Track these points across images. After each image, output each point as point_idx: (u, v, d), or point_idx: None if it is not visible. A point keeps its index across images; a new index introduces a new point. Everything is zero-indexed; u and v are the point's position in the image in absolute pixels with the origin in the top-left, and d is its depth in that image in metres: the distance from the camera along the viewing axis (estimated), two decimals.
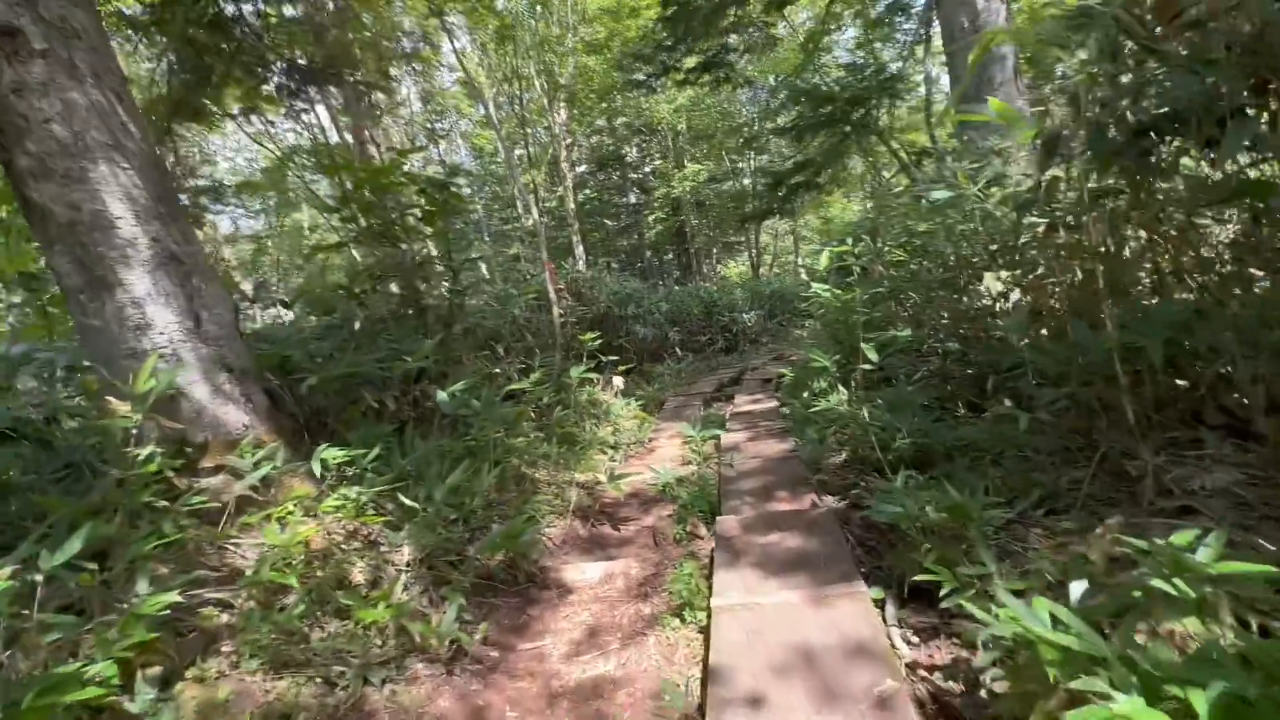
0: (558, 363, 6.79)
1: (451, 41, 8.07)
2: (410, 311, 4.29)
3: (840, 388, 4.20)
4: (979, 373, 3.43)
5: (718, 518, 2.72)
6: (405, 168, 4.34)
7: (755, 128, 13.38)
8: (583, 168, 26.08)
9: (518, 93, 13.96)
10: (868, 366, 3.72)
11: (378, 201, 4.36)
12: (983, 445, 2.66)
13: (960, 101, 5.28)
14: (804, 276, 21.53)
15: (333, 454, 2.63)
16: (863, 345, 3.74)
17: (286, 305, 4.38)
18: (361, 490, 2.57)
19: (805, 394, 4.70)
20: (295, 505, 2.50)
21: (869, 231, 4.71)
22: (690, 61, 9.67)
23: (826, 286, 5.54)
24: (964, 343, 3.53)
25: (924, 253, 4.74)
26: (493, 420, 3.18)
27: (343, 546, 2.47)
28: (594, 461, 4.82)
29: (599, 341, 7.75)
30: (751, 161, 19.96)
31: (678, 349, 9.62)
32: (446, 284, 4.29)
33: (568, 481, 4.12)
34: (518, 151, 17.62)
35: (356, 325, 3.70)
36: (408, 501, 2.57)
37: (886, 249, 4.96)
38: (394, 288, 4.44)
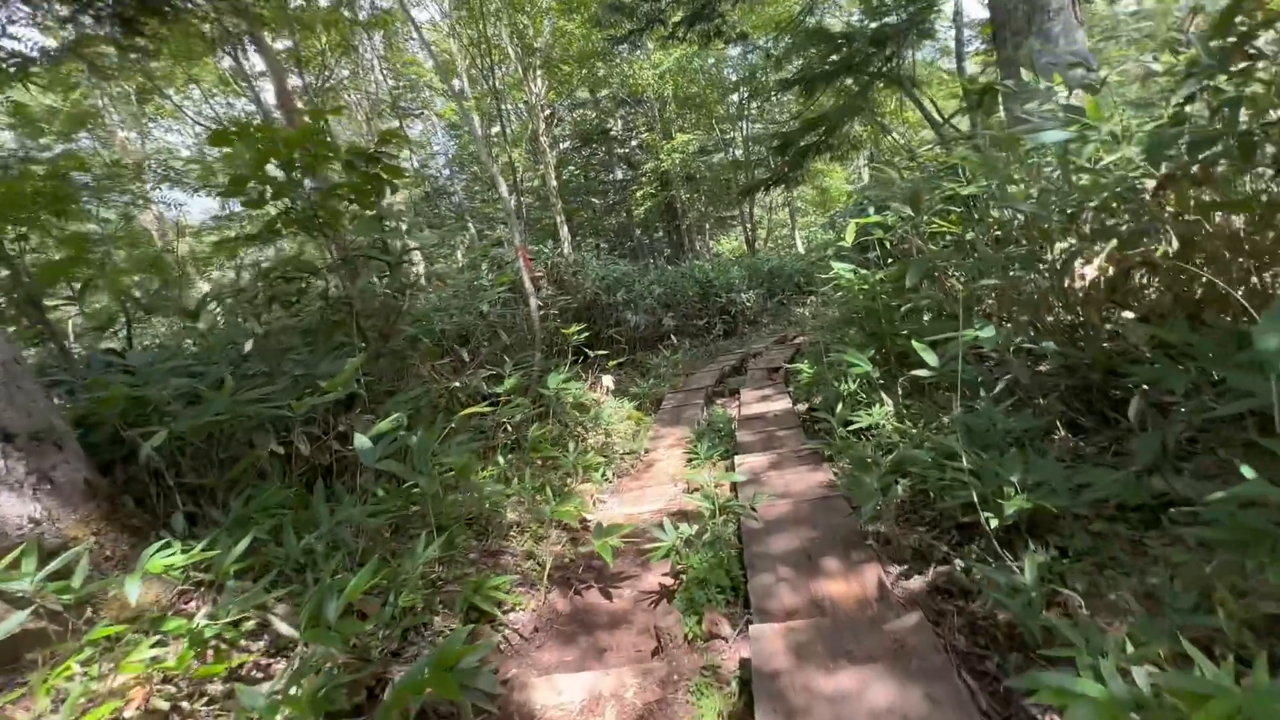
0: (537, 363, 5.91)
1: (406, 9, 7.04)
2: (337, 320, 3.39)
3: (883, 396, 3.34)
4: (1080, 382, 2.58)
5: (752, 627, 1.86)
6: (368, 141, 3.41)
7: (754, 84, 12.31)
8: (566, 144, 24.89)
9: (490, 62, 12.82)
10: (923, 373, 2.87)
11: (293, 180, 3.43)
12: (1130, 500, 1.81)
13: (1009, 35, 4.35)
14: (802, 250, 20.57)
15: (170, 560, 1.75)
16: (915, 346, 2.87)
17: (191, 316, 3.47)
18: (215, 612, 1.70)
19: (835, 402, 3.85)
20: (112, 642, 1.63)
21: (908, 197, 3.81)
22: (677, 15, 8.64)
23: (850, 266, 4.66)
24: (1057, 338, 2.67)
25: (977, 221, 3.85)
26: (430, 476, 2.31)
27: (184, 707, 1.61)
28: (581, 491, 3.97)
29: (585, 334, 6.86)
30: (745, 128, 18.86)
31: (673, 336, 8.75)
32: (385, 281, 3.38)
33: (544, 525, 3.27)
34: (494, 129, 16.50)
35: (248, 346, 2.80)
36: (283, 629, 1.70)
37: (926, 218, 4.07)
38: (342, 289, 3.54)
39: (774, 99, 20.11)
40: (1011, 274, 2.95)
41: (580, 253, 10.24)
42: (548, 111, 14.38)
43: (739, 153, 19.07)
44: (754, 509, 2.75)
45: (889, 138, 11.56)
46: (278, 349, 3.02)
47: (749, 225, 19.29)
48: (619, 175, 23.88)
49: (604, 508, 3.91)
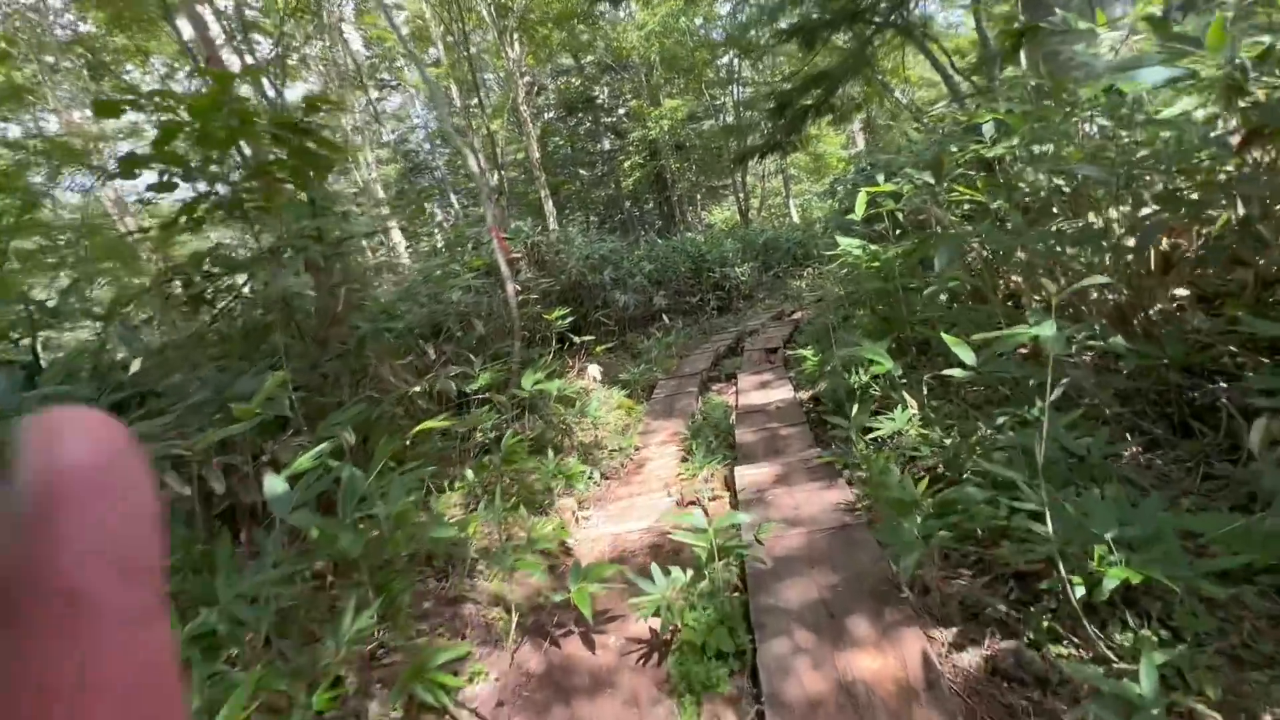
0: (518, 352, 5.43)
1: None
2: (266, 324, 2.88)
3: (905, 396, 2.88)
4: (1155, 384, 2.13)
5: None
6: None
7: (746, 43, 11.53)
8: (551, 114, 23.93)
9: (463, 26, 12.01)
10: (957, 373, 2.41)
11: (216, 153, 2.89)
12: (1261, 560, 1.37)
13: None
14: (797, 219, 19.93)
15: None
16: (947, 340, 2.40)
17: (101, 320, 2.96)
18: None
19: (846, 398, 3.39)
20: None
21: (928, 161, 3.31)
22: None
23: (858, 241, 4.16)
24: (1125, 330, 2.22)
25: (1007, 188, 3.35)
26: (354, 532, 1.84)
27: None
28: (562, 507, 3.53)
29: (570, 319, 6.37)
30: (735, 92, 18.06)
31: (665, 316, 8.26)
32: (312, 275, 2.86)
33: (517, 553, 2.83)
34: (473, 100, 15.66)
35: (135, 365, 2.30)
36: None
37: (945, 186, 3.57)
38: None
39: (764, 63, 19.25)
40: (1057, 249, 2.47)
41: (564, 229, 9.68)
42: (527, 78, 13.59)
43: (730, 119, 18.29)
44: (760, 540, 2.31)
45: (889, 99, 10.92)
46: (187, 363, 2.52)
47: (742, 195, 18.63)
48: (606, 145, 23.04)
49: (587, 524, 3.47)
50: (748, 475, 3.04)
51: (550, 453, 3.82)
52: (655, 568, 2.04)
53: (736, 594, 2.10)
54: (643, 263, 9.79)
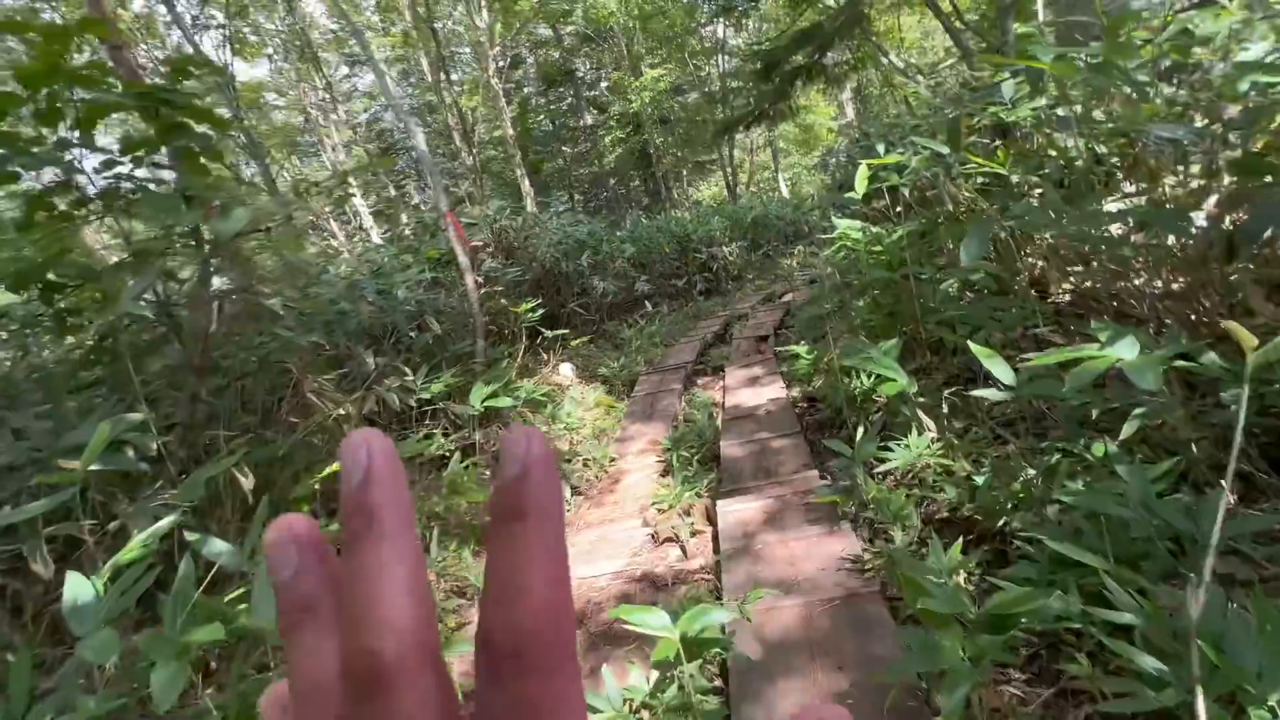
0: (481, 353, 4.90)
1: None
2: (147, 347, 2.33)
3: (923, 418, 2.38)
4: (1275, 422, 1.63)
5: None
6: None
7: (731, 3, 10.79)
8: (530, 88, 22.98)
9: None
10: (990, 394, 1.91)
11: (65, 141, 2.31)
12: None
13: None
14: (787, 194, 19.27)
15: None
16: (977, 353, 1.89)
17: None
18: None
19: (847, 409, 2.89)
20: None
21: (941, 128, 2.77)
22: None
23: (857, 224, 3.63)
24: (1204, 335, 1.72)
25: (1032, 158, 2.82)
26: (168, 676, 1.32)
27: None
28: None
29: (540, 311, 5.83)
30: (721, 63, 17.26)
31: (648, 302, 7.72)
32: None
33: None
34: (445, 75, 14.78)
35: None
36: None
37: (959, 158, 3.03)
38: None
39: (750, 28, 18.41)
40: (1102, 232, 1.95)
41: (535, 212, 9.06)
42: (498, 48, 12.78)
43: (716, 88, 17.50)
44: (747, 615, 1.82)
45: (884, 62, 10.24)
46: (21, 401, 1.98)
47: (729, 169, 17.93)
48: (588, 120, 22.19)
49: None
50: (733, 512, 2.54)
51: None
52: (608, 676, 1.55)
53: (715, 699, 1.61)
54: (625, 245, 9.20)
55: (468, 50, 20.69)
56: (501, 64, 13.21)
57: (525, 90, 21.94)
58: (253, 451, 2.21)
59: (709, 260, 11.07)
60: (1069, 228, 2.13)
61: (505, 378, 3.88)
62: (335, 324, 3.78)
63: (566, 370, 5.08)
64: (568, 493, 3.70)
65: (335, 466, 2.26)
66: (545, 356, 6.59)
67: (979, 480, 1.95)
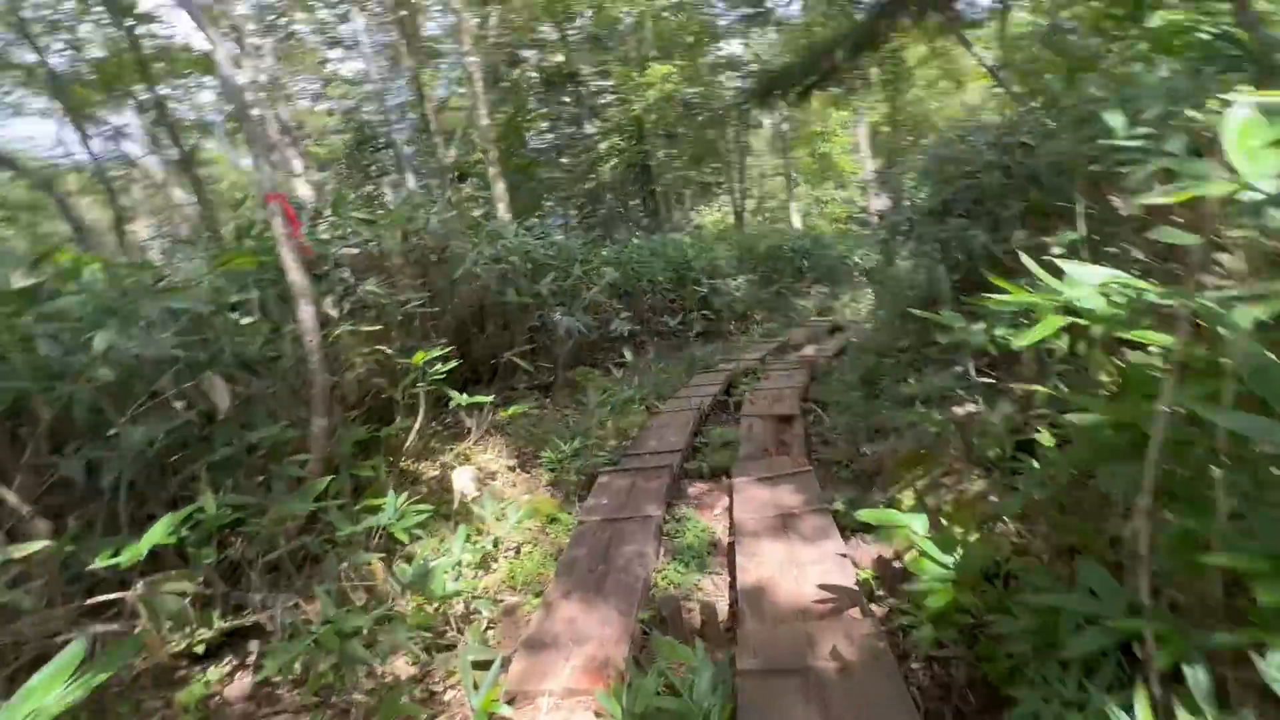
0: (321, 440, 2.84)
1: None
2: None
3: None
4: None
5: None
6: None
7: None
8: (529, 89, 21.16)
9: None
10: None
11: None
12: None
13: None
14: (799, 225, 17.42)
15: None
16: None
17: None
18: None
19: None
20: None
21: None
22: None
23: (1107, 274, 1.58)
24: None
25: None
26: None
27: None
28: None
29: (452, 363, 3.73)
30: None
31: (626, 350, 5.64)
32: None
33: None
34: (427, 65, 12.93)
35: None
36: None
37: None
38: None
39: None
40: None
41: (486, 218, 7.04)
42: (474, 20, 10.87)
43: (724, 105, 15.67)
44: None
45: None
46: None
47: (738, 190, 16.06)
48: (590, 130, 20.36)
49: None
50: None
51: None
52: None
53: None
54: (604, 268, 7.15)
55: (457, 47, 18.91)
56: (485, 37, 11.27)
57: (523, 90, 20.11)
58: None
59: (710, 294, 9.05)
60: None
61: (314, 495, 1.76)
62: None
63: (464, 481, 2.96)
64: None
65: None
66: (469, 432, 4.48)
67: None
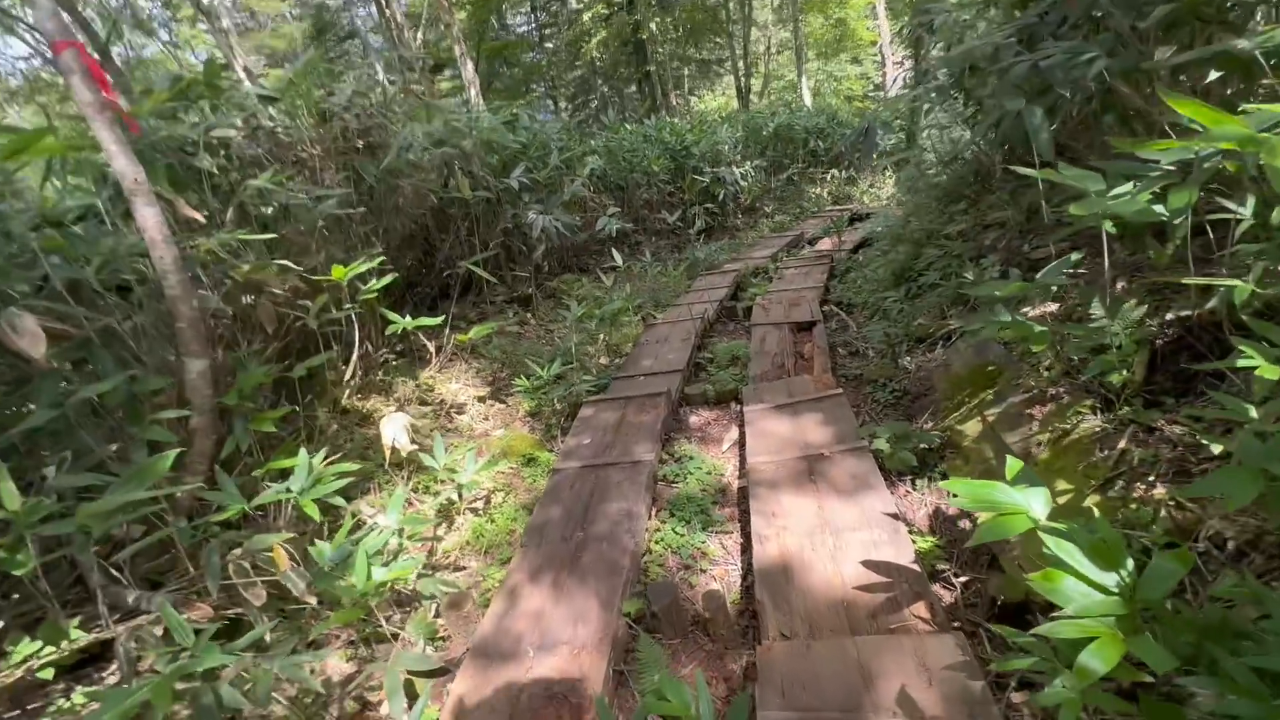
0: (205, 397, 2.14)
1: None
2: None
3: None
4: None
5: None
6: None
7: None
8: None
9: None
10: None
11: None
12: None
13: None
14: (810, 105, 15.68)
15: None
16: None
17: None
18: None
19: None
20: None
21: None
22: None
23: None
24: None
25: None
26: None
27: None
28: None
29: (390, 278, 2.96)
30: None
31: (614, 252, 4.82)
32: None
33: None
34: None
35: None
36: None
37: None
38: None
39: None
40: None
41: (428, 91, 6.01)
42: None
43: None
44: None
45: None
46: None
47: (741, 68, 14.33)
48: (574, 4, 18.08)
49: None
50: None
51: None
52: None
53: None
54: (591, 156, 6.15)
55: None
56: None
57: None
58: None
59: (714, 185, 8.01)
60: None
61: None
62: None
63: (395, 431, 2.29)
64: None
65: None
66: (431, 362, 3.78)
67: None
